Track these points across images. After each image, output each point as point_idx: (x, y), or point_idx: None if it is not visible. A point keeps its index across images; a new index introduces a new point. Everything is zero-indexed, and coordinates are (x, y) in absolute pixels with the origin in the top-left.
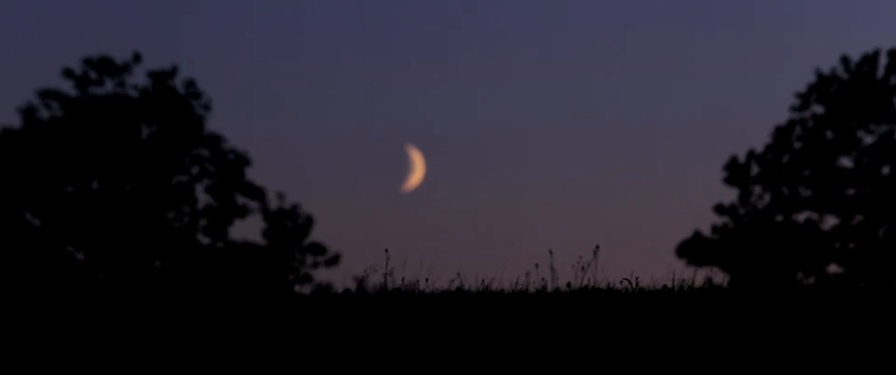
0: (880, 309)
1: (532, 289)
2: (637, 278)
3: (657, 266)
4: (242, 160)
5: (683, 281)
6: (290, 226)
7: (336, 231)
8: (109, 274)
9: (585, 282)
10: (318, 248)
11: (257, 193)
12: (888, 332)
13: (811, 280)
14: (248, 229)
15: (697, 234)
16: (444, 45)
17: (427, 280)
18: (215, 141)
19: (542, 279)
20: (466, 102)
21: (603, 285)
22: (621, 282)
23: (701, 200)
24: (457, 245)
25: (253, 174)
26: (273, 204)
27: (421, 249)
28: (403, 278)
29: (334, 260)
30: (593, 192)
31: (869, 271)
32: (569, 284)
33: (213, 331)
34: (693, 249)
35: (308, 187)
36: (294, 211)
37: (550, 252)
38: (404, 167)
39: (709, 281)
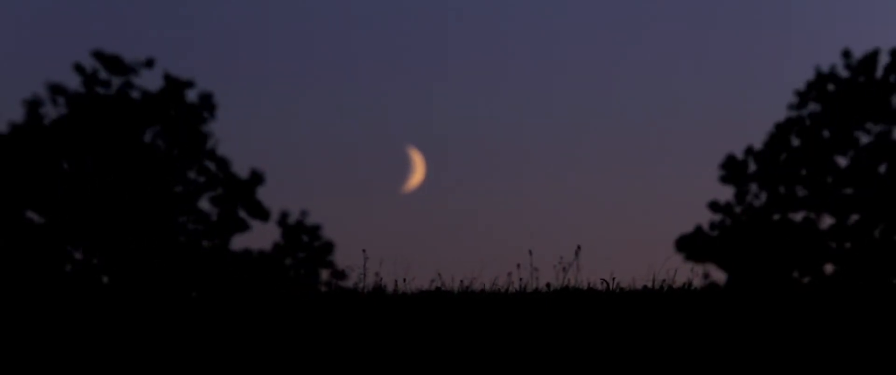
0: (876, 308)
1: (512, 290)
2: (613, 277)
3: (642, 265)
4: (256, 177)
5: (664, 281)
6: (308, 244)
7: (335, 230)
8: (110, 275)
9: (566, 282)
10: (338, 272)
11: (262, 213)
12: (884, 331)
13: (807, 279)
14: (264, 239)
15: (699, 229)
16: (445, 47)
17: (404, 280)
18: (223, 163)
19: (521, 279)
20: (468, 103)
21: (583, 285)
22: (602, 283)
23: (695, 200)
24: (452, 245)
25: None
26: (293, 219)
27: (419, 250)
28: (381, 278)
29: (342, 276)
30: (592, 192)
31: (865, 270)
32: (548, 284)
33: (206, 336)
34: (692, 244)
35: (308, 187)
36: (315, 231)
37: (530, 252)
38: (405, 168)
39: (688, 281)
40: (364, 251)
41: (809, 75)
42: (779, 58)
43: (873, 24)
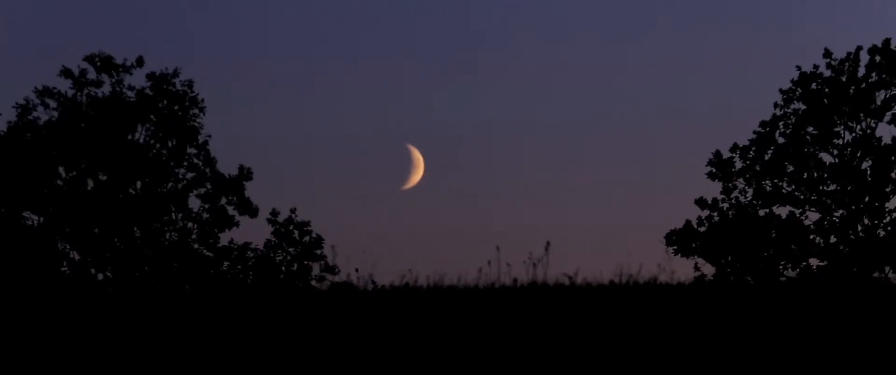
0: (860, 301)
1: (481, 285)
2: (577, 273)
3: (612, 260)
4: (244, 174)
5: (630, 275)
6: (298, 238)
7: (335, 228)
8: (105, 272)
9: (534, 278)
10: (329, 267)
11: (251, 209)
12: (867, 323)
13: (793, 273)
14: (254, 234)
15: (688, 224)
16: (445, 48)
17: (372, 275)
18: (210, 160)
19: (488, 274)
20: (467, 103)
21: (551, 280)
22: (568, 279)
23: (669, 197)
24: (432, 241)
25: (254, 172)
26: (283, 216)
27: (402, 245)
28: (353, 271)
29: (332, 270)
30: (591, 191)
31: (850, 265)
32: (515, 280)
33: (199, 329)
34: (682, 239)
35: (309, 186)
36: (304, 227)
37: (498, 248)
38: (405, 166)
39: (654, 277)
40: (333, 246)
41: (783, 80)
42: (761, 59)
43: (866, 24)
